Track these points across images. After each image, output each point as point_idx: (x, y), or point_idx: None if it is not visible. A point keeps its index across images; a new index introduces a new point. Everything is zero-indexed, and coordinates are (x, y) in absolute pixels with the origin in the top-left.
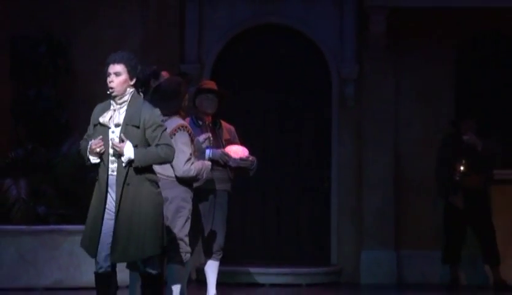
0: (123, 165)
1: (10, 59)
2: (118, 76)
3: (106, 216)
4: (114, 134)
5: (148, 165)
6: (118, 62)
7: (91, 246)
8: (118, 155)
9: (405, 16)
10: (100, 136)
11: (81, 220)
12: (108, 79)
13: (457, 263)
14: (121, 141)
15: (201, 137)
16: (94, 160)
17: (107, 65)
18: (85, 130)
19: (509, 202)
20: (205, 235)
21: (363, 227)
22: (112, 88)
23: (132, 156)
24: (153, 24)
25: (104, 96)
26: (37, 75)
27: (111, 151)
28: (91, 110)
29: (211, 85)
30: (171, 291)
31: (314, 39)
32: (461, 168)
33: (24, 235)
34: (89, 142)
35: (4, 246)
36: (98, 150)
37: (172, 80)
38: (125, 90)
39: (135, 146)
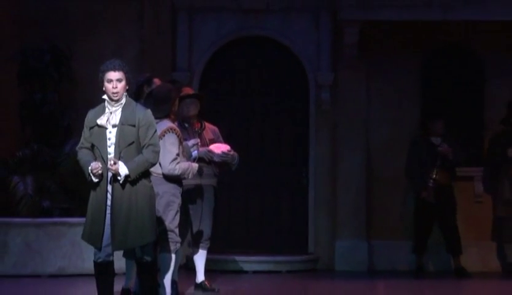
0: (121, 181)
1: (19, 67)
2: (120, 82)
3: (108, 212)
4: (111, 134)
5: (146, 168)
6: (118, 69)
7: (96, 239)
8: (114, 175)
9: (375, 28)
10: (99, 163)
11: (82, 213)
12: (112, 85)
13: (424, 253)
14: (114, 163)
15: (190, 142)
16: (95, 179)
17: (106, 72)
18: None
19: (468, 197)
20: (194, 226)
21: (337, 219)
22: (116, 93)
23: (127, 172)
24: (147, 36)
25: (99, 101)
26: (42, 82)
27: (109, 156)
28: (87, 114)
29: (188, 91)
30: (163, 278)
31: (293, 49)
32: (434, 175)
33: (31, 226)
34: (90, 165)
35: (12, 237)
36: (100, 172)
37: (163, 86)
38: (123, 94)
39: (131, 143)
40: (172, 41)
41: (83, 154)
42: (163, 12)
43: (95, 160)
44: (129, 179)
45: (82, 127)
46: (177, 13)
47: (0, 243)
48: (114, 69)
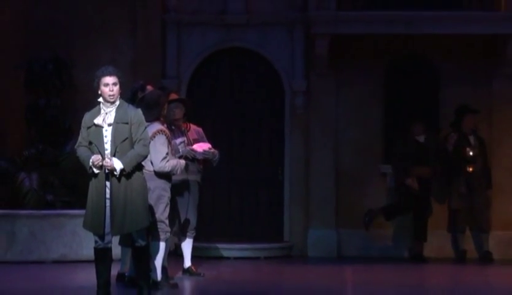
0: (117, 175)
1: (25, 75)
2: (115, 86)
3: (106, 203)
4: (107, 131)
5: (133, 166)
6: (113, 74)
7: (98, 227)
8: (111, 170)
9: (343, 41)
10: (99, 156)
11: (82, 206)
12: (109, 88)
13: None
14: (109, 159)
15: (178, 141)
16: (96, 171)
17: (102, 77)
18: None
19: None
20: (181, 217)
21: (309, 210)
22: (112, 95)
23: (122, 166)
24: (140, 47)
25: (98, 104)
26: (46, 89)
27: (106, 152)
28: (84, 116)
29: (173, 96)
30: (155, 263)
31: (270, 59)
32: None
33: (36, 218)
34: (91, 158)
35: (19, 227)
36: (101, 164)
37: (153, 92)
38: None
39: (125, 139)
40: (162, 52)
41: (82, 151)
42: (154, 26)
43: (93, 154)
44: (125, 172)
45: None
46: (167, 27)
47: (8, 232)
48: (110, 75)
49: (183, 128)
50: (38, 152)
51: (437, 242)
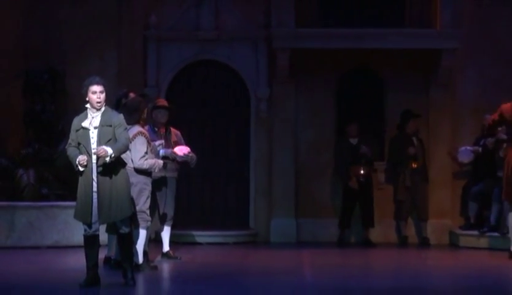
0: (107, 160)
1: (23, 84)
2: (102, 93)
3: (94, 195)
4: (93, 133)
5: (120, 154)
6: (100, 84)
7: (86, 217)
8: (103, 157)
9: (302, 54)
10: (85, 156)
11: (73, 198)
12: (96, 96)
13: (347, 228)
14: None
15: (157, 143)
16: (82, 169)
17: (90, 86)
18: None
19: (374, 184)
20: (161, 208)
21: (272, 202)
22: (99, 102)
23: (111, 151)
24: (124, 59)
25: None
26: (41, 96)
27: (93, 150)
28: (73, 120)
29: (163, 102)
30: (137, 248)
31: (237, 70)
32: (361, 172)
33: (32, 209)
34: (77, 158)
35: (18, 217)
36: (85, 164)
37: (134, 99)
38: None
39: (109, 140)
40: (143, 63)
41: (71, 151)
42: (136, 41)
43: (81, 154)
44: (113, 157)
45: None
46: (147, 42)
47: (8, 221)
48: (97, 84)
49: (161, 132)
50: (34, 151)
51: (383, 229)
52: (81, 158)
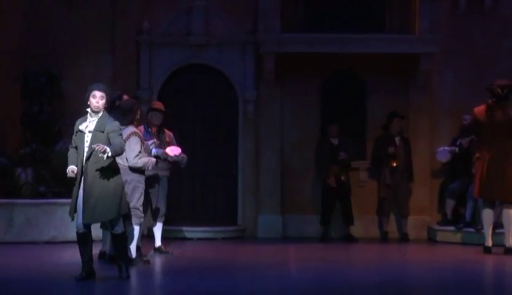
0: (105, 157)
1: (21, 86)
2: (101, 99)
3: (83, 194)
4: (88, 137)
5: (116, 154)
6: (102, 90)
7: (71, 212)
8: (103, 155)
9: (287, 58)
10: (74, 171)
11: (70, 196)
12: (95, 100)
13: (328, 224)
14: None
15: (150, 142)
16: (69, 176)
17: (92, 90)
18: (71, 135)
19: (354, 183)
20: (153, 205)
21: (259, 199)
22: (97, 106)
23: (108, 150)
24: (118, 63)
25: (82, 112)
26: (39, 98)
27: (86, 149)
28: (75, 122)
29: (159, 105)
30: (131, 243)
31: (226, 73)
32: (342, 178)
33: (30, 206)
34: (68, 168)
35: (17, 214)
36: (72, 176)
37: (127, 101)
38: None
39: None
40: (136, 67)
41: (70, 153)
42: (130, 46)
43: (77, 158)
44: (109, 156)
45: (69, 132)
46: (140, 47)
47: (7, 218)
48: (99, 90)
49: (153, 132)
50: (32, 150)
51: (365, 224)
52: (70, 171)
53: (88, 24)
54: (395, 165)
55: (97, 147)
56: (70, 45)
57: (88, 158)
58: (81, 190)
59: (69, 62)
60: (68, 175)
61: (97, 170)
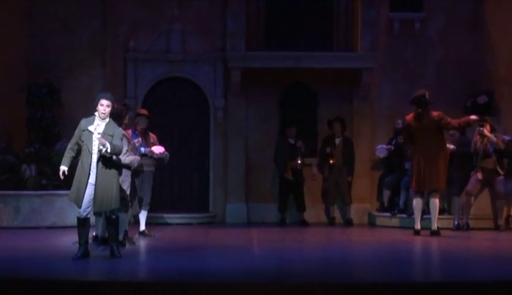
0: (103, 151)
1: (26, 95)
2: (108, 107)
3: (88, 185)
4: (95, 136)
5: (114, 153)
6: (108, 99)
7: (78, 201)
8: (101, 147)
9: (251, 72)
10: (64, 172)
11: (68, 188)
12: (103, 108)
13: (285, 211)
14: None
15: (136, 141)
16: (61, 173)
17: (101, 99)
18: (68, 137)
19: (308, 176)
20: (139, 196)
21: (227, 190)
22: (104, 113)
23: (108, 144)
24: (108, 76)
25: (78, 117)
26: (41, 105)
27: (94, 148)
28: (73, 125)
29: (144, 111)
30: (120, 228)
31: (199, 85)
32: (298, 161)
33: (34, 196)
34: (61, 167)
35: (23, 203)
36: (62, 178)
37: (117, 108)
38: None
39: None
40: (124, 80)
41: (67, 153)
42: (118, 62)
43: (71, 158)
44: (108, 151)
45: (68, 134)
46: (127, 62)
47: (14, 207)
48: (106, 98)
49: (139, 131)
50: (36, 150)
51: (316, 212)
52: (61, 172)
53: (83, 44)
54: (331, 162)
55: (100, 140)
56: (68, 61)
57: (98, 159)
58: (89, 183)
59: (66, 76)
60: (60, 173)
61: (106, 168)
